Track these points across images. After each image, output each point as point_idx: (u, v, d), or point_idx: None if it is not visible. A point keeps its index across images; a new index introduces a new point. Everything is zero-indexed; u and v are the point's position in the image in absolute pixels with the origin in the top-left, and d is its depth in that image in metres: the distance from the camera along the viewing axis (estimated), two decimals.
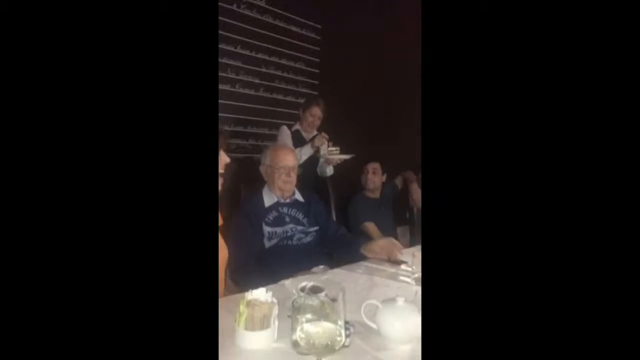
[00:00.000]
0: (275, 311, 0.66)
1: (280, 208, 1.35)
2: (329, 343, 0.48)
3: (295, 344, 0.62)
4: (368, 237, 1.78)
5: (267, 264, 1.20)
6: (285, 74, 2.55)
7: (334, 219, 1.74)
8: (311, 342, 0.49)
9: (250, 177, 1.58)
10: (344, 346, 0.64)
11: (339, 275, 1.06)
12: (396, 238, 1.35)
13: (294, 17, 2.53)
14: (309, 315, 0.51)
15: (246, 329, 0.63)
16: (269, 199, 1.35)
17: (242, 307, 0.64)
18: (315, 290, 0.78)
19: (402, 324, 0.68)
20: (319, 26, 2.67)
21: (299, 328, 0.49)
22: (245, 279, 1.08)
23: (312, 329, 0.49)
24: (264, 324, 0.64)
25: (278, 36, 2.46)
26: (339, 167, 2.00)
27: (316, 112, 1.97)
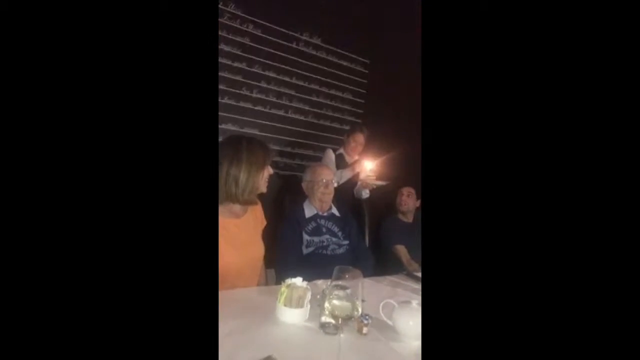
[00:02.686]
0: (309, 296, 0.82)
1: (318, 220, 1.52)
2: (348, 314, 0.63)
3: (322, 325, 0.78)
4: (398, 260, 1.88)
5: (304, 268, 1.36)
6: (333, 103, 2.80)
7: (367, 239, 1.88)
8: (335, 312, 0.64)
9: (294, 191, 1.79)
10: (363, 334, 0.78)
11: (365, 283, 1.19)
12: None
13: (344, 52, 2.79)
14: (335, 297, 0.66)
15: (285, 305, 0.80)
16: (309, 211, 1.54)
17: (283, 288, 0.81)
18: (342, 287, 0.93)
19: (414, 323, 0.79)
20: (367, 61, 2.91)
21: (327, 302, 0.65)
22: (285, 274, 1.26)
23: (337, 303, 0.64)
24: (299, 303, 0.80)
25: (329, 69, 2.73)
26: (375, 192, 2.14)
27: (359, 139, 2.16)
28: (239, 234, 1.07)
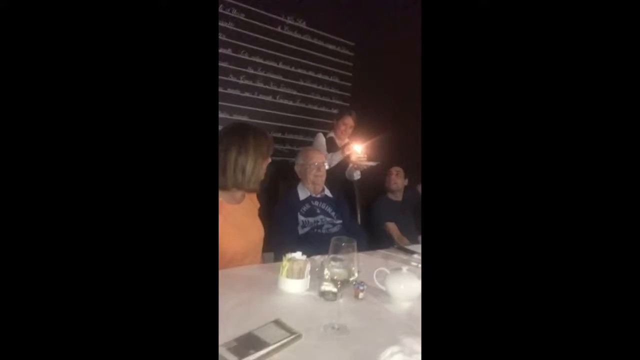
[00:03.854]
0: (308, 267, 0.89)
1: (312, 201, 1.58)
2: (346, 278, 0.70)
3: (322, 293, 0.85)
4: (389, 236, 1.98)
5: (301, 247, 1.43)
6: (320, 87, 2.82)
7: (359, 218, 1.96)
8: (335, 277, 0.70)
9: (287, 176, 1.84)
10: (359, 298, 0.86)
11: (359, 257, 1.27)
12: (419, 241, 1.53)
13: (330, 36, 2.80)
14: (334, 266, 0.73)
15: (287, 277, 0.86)
16: (303, 193, 1.60)
17: (284, 262, 0.87)
18: (338, 259, 1.00)
19: (405, 286, 0.87)
20: (352, 43, 2.92)
21: (326, 269, 0.71)
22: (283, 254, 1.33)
23: (336, 269, 0.71)
24: (300, 275, 0.86)
25: (315, 53, 2.74)
26: (366, 173, 2.21)
27: (349, 122, 2.21)
28: (241, 218, 1.12)
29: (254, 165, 1.08)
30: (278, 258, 1.36)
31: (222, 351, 0.59)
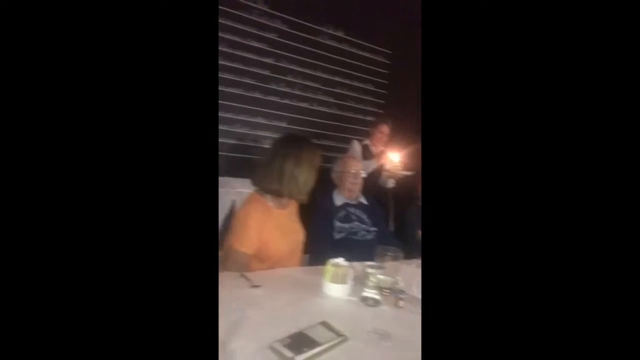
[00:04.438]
0: (351, 274, 0.93)
1: (347, 208, 1.63)
2: (391, 286, 0.74)
3: (364, 299, 0.88)
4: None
5: (336, 252, 1.48)
6: (355, 94, 2.86)
7: (392, 226, 1.97)
8: (379, 285, 0.74)
9: (322, 181, 1.90)
10: (399, 307, 0.89)
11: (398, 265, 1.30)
12: None
13: (366, 44, 2.84)
14: (379, 273, 0.77)
15: (331, 282, 0.91)
16: (338, 200, 1.64)
17: (329, 267, 0.92)
18: (379, 267, 1.04)
19: None
20: (389, 51, 2.94)
21: (371, 277, 0.75)
22: (318, 258, 1.38)
23: (381, 277, 0.75)
24: (343, 280, 0.91)
25: (352, 61, 2.79)
26: (400, 181, 2.22)
27: (385, 130, 2.23)
28: (287, 222, 1.19)
29: (307, 176, 1.14)
30: (313, 261, 1.42)
31: (277, 346, 0.64)
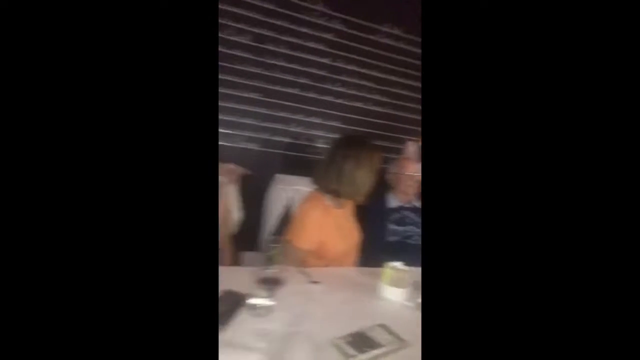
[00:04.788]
0: (409, 279, 0.92)
1: (402, 211, 1.60)
2: None
3: (419, 305, 0.87)
4: None
5: (388, 255, 1.46)
6: (410, 94, 2.79)
7: None
8: None
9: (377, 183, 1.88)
10: None
11: None
12: None
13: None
14: None
15: (389, 285, 0.90)
16: (393, 202, 1.62)
17: (387, 269, 0.92)
18: None
19: None
20: None
21: None
22: (370, 260, 1.38)
23: None
24: (401, 284, 0.90)
25: (408, 59, 2.71)
26: None
27: None
28: (344, 221, 1.21)
29: (366, 178, 1.14)
30: (365, 263, 1.42)
31: (340, 343, 0.66)
